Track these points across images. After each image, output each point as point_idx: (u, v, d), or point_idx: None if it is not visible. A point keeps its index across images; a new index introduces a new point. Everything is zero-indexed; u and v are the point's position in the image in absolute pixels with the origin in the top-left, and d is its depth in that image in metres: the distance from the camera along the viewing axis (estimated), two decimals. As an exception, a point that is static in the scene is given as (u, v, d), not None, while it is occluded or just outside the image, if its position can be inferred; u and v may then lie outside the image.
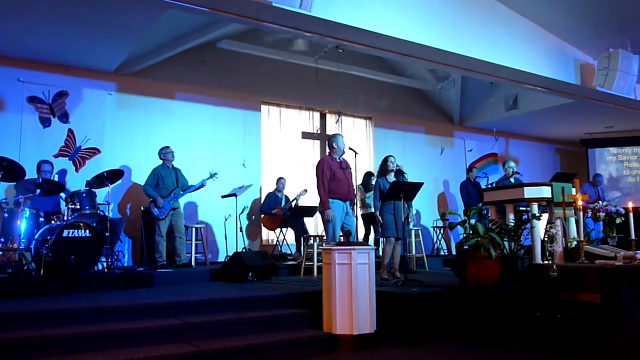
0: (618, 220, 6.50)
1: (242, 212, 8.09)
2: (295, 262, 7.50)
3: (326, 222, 5.98)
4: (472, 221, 5.21)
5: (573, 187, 5.77)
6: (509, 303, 4.88)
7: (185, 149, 7.78)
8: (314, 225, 9.07)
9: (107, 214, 6.30)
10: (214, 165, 7.53)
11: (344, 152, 6.21)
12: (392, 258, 6.32)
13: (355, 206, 6.25)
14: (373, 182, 7.39)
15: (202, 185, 7.20)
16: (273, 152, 9.20)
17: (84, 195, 6.05)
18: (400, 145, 10.25)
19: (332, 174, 6.01)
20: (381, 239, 6.43)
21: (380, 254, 6.44)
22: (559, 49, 8.21)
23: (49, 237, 5.45)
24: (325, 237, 6.12)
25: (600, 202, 7.14)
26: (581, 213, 5.63)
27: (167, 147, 7.16)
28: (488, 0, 7.49)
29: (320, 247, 5.64)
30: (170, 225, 6.97)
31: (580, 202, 5.41)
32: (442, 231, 9.74)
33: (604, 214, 6.62)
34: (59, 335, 3.74)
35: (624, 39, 8.03)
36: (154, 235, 6.91)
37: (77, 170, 7.35)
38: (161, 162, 7.10)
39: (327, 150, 6.43)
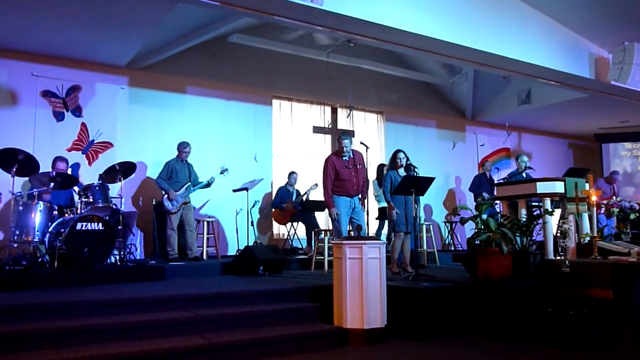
0: (632, 216, 6.43)
1: (254, 206, 8.12)
2: (306, 256, 7.51)
3: (332, 219, 6.01)
4: (484, 216, 5.18)
5: (586, 182, 5.72)
6: (521, 298, 4.86)
7: (197, 143, 7.78)
8: (324, 219, 9.07)
9: (119, 207, 6.36)
10: (225, 159, 7.56)
11: (350, 153, 6.11)
12: (402, 252, 6.32)
13: (365, 201, 6.23)
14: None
15: (209, 182, 7.21)
16: (284, 146, 9.22)
17: (97, 188, 6.11)
18: (412, 139, 10.21)
19: (336, 174, 6.00)
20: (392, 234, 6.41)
21: (391, 248, 6.43)
22: (573, 43, 8.09)
23: (62, 230, 5.52)
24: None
25: (615, 197, 7.07)
26: (594, 209, 5.56)
27: (188, 143, 7.17)
28: (501, -8, 7.42)
29: (331, 242, 5.64)
30: (181, 219, 7.03)
31: (594, 198, 5.35)
32: (454, 226, 9.69)
33: (617, 209, 6.55)
34: (72, 327, 3.78)
35: (640, 32, 7.91)
36: (165, 228, 6.97)
37: (90, 164, 7.41)
38: (175, 155, 7.14)
39: (338, 147, 6.40)
